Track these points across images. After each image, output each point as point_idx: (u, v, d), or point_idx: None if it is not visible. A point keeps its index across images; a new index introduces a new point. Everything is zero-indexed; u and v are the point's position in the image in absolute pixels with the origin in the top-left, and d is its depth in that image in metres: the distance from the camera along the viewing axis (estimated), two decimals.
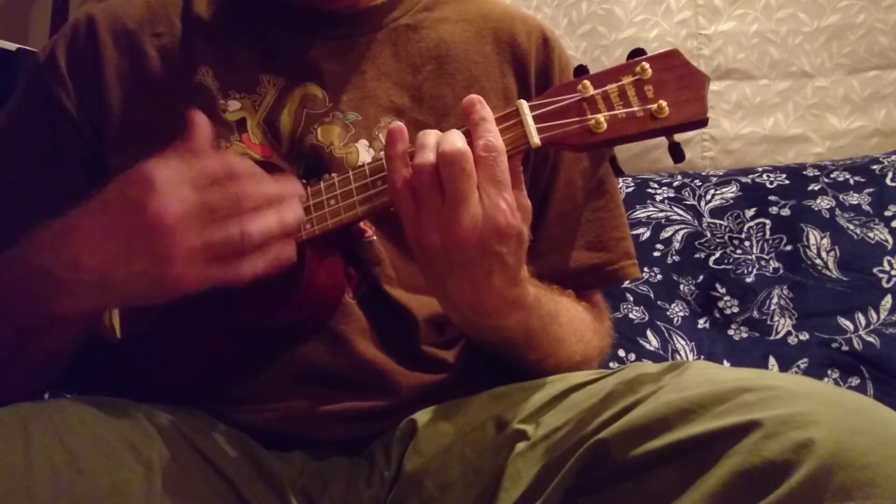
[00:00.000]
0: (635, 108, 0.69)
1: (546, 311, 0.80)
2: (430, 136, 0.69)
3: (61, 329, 0.75)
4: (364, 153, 0.85)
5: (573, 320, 0.87)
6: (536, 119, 0.70)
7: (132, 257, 0.66)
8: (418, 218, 0.68)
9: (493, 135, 0.68)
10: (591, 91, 0.70)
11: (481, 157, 0.67)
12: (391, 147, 0.70)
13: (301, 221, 0.71)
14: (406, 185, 0.69)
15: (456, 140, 0.67)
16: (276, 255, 0.68)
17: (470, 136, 0.68)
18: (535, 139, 0.70)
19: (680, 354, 1.39)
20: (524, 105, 0.71)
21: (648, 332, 1.41)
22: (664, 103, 0.69)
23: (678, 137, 0.70)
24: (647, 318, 1.42)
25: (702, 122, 0.69)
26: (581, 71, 0.72)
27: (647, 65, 0.70)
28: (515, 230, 0.68)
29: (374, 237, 0.83)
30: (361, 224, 0.82)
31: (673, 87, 0.69)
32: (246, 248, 0.66)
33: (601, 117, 0.69)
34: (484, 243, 0.67)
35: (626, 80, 0.70)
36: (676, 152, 0.70)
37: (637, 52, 0.72)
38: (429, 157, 0.67)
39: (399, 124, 0.70)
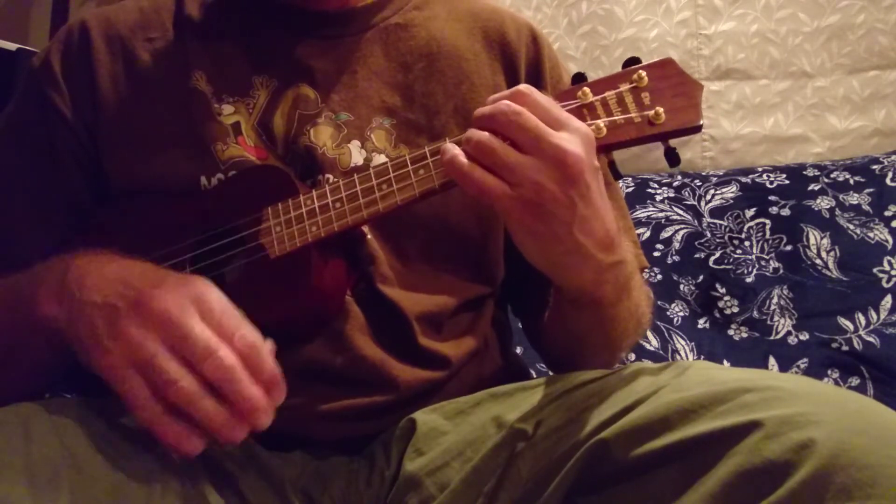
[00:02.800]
0: (633, 115, 0.72)
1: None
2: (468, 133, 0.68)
3: (45, 336, 0.74)
4: (357, 154, 0.85)
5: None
6: None
7: (101, 307, 0.66)
8: (516, 187, 0.67)
9: (516, 89, 0.69)
10: (591, 98, 0.72)
11: (529, 100, 0.68)
12: (455, 170, 0.68)
13: (234, 444, 0.64)
14: (482, 173, 0.67)
15: (498, 104, 0.67)
16: (174, 438, 0.62)
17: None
18: None
19: (680, 354, 1.39)
20: None
21: (648, 332, 1.41)
22: (661, 110, 0.71)
23: (673, 142, 0.73)
24: None
25: (696, 129, 0.72)
26: (580, 78, 0.74)
27: (643, 73, 0.72)
28: (592, 134, 0.69)
29: (369, 235, 0.83)
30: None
31: (669, 95, 0.72)
32: (164, 394, 0.61)
33: (601, 123, 0.71)
34: (589, 156, 0.67)
35: (624, 87, 0.72)
36: (672, 157, 0.73)
37: (632, 61, 0.74)
38: (481, 137, 0.67)
39: (448, 147, 0.69)
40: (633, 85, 0.72)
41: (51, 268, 0.73)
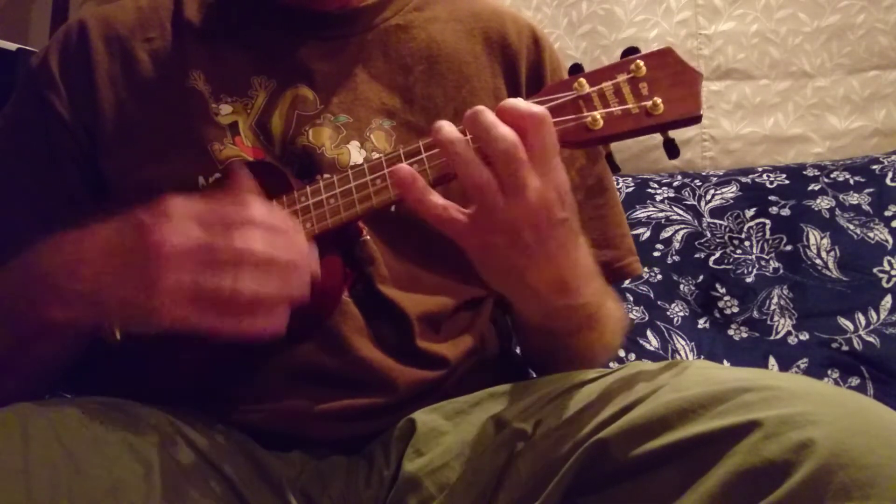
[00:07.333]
0: (630, 105, 0.70)
1: (601, 281, 0.81)
2: (464, 152, 0.66)
3: (53, 338, 0.74)
4: (356, 154, 0.85)
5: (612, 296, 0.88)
6: None
7: (122, 281, 0.66)
8: (481, 224, 0.67)
9: (524, 104, 0.67)
10: (587, 89, 0.71)
11: (539, 135, 0.66)
12: (410, 192, 0.68)
13: (305, 297, 0.67)
14: (447, 210, 0.68)
15: (507, 134, 0.66)
16: (264, 323, 0.65)
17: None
18: None
19: (680, 354, 1.39)
20: None
21: (648, 332, 1.41)
22: (659, 100, 0.69)
23: (672, 134, 0.71)
24: (647, 318, 1.42)
25: (696, 119, 0.70)
26: (576, 69, 0.72)
27: (641, 62, 0.70)
28: (568, 187, 0.68)
29: (367, 237, 0.83)
30: (359, 223, 0.83)
31: (667, 84, 0.70)
32: (233, 303, 0.64)
33: (597, 114, 0.70)
34: (551, 213, 0.67)
35: (621, 77, 0.71)
36: (671, 148, 0.71)
37: (631, 51, 0.72)
38: (484, 173, 0.66)
39: (406, 170, 0.68)
40: (631, 75, 0.70)
41: (26, 277, 0.73)
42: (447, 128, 0.67)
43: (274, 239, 0.66)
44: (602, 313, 0.83)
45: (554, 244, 0.68)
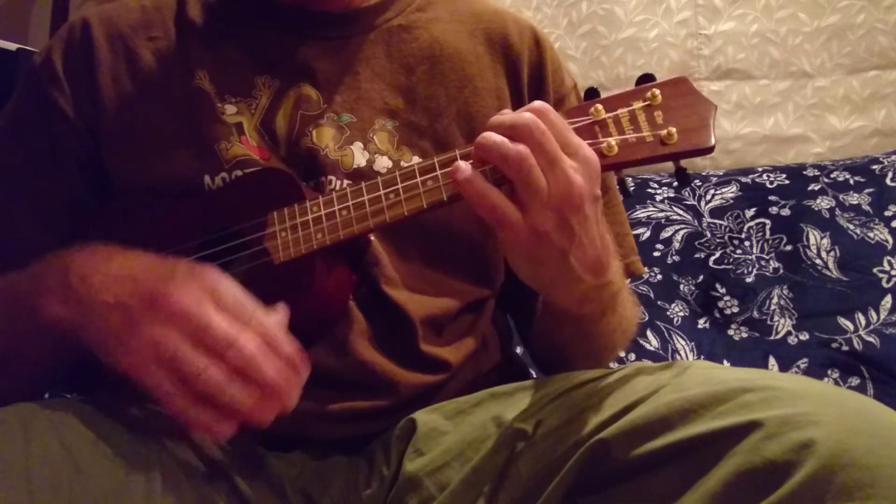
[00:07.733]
0: (645, 134, 0.71)
1: (619, 260, 0.82)
2: (494, 138, 0.67)
3: (47, 335, 0.74)
4: (359, 156, 0.85)
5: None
6: None
7: (113, 309, 0.66)
8: (531, 211, 0.67)
9: (533, 106, 0.68)
10: (603, 115, 0.71)
11: (546, 120, 0.67)
12: (467, 187, 0.68)
13: (262, 424, 0.64)
14: (499, 198, 0.68)
15: (523, 113, 0.67)
16: (208, 422, 0.63)
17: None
18: None
19: (680, 354, 1.39)
20: None
21: (648, 332, 1.41)
22: (673, 129, 0.70)
23: (684, 163, 0.72)
24: (647, 318, 1.42)
25: (707, 150, 0.70)
26: (592, 94, 0.73)
27: (657, 91, 0.71)
28: (598, 163, 0.69)
29: (372, 238, 0.83)
30: None
31: (682, 114, 0.71)
32: (192, 387, 0.62)
33: (612, 141, 0.71)
34: (591, 188, 0.68)
35: (637, 105, 0.71)
36: (683, 177, 0.72)
37: (646, 78, 0.73)
38: (521, 148, 0.66)
39: (462, 166, 0.68)
40: (647, 103, 0.71)
41: (49, 267, 0.73)
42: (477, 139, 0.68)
43: (271, 358, 0.64)
44: (622, 294, 0.85)
45: (592, 222, 0.69)
